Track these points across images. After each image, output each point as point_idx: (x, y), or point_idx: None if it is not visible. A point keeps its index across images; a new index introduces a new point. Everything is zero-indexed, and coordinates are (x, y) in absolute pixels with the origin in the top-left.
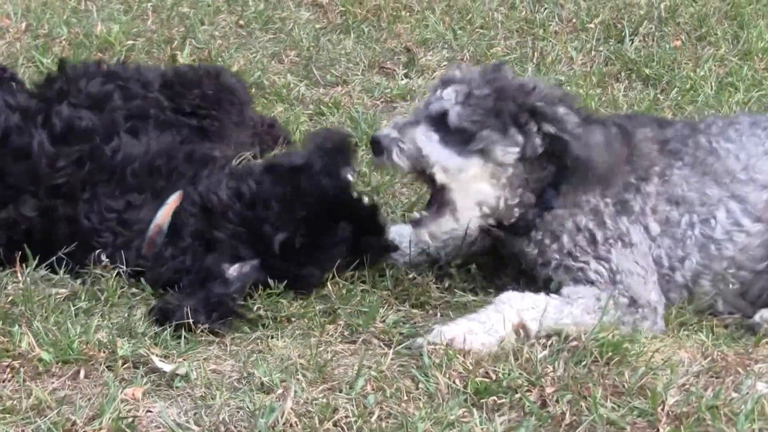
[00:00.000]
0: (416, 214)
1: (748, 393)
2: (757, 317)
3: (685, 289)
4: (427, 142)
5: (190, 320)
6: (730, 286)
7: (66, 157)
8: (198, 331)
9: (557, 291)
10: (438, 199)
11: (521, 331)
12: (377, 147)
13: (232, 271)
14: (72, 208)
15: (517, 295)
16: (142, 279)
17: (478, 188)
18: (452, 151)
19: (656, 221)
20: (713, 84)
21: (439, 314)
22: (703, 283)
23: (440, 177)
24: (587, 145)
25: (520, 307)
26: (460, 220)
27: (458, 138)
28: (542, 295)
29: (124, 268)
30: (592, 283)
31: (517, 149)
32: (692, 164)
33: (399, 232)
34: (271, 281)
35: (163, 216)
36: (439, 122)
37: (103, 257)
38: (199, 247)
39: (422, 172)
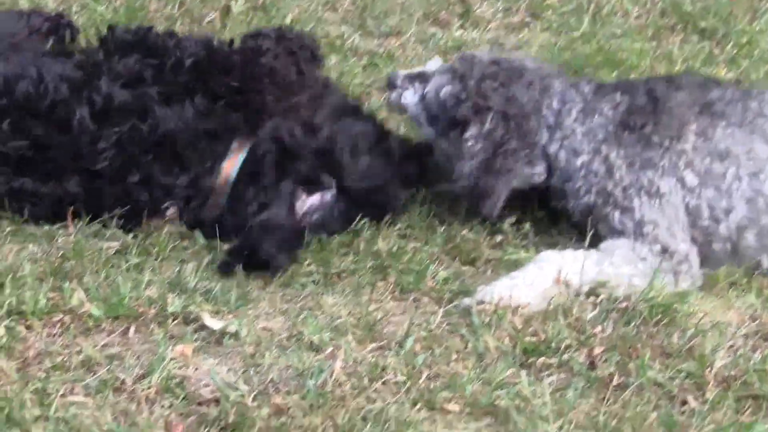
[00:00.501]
0: None
1: None
2: None
3: (729, 243)
4: (411, 100)
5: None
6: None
7: (106, 138)
8: (249, 287)
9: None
10: None
11: (563, 284)
12: (388, 82)
13: (314, 199)
14: (121, 190)
15: (555, 252)
16: (195, 233)
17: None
18: (427, 119)
19: (694, 173)
20: None
21: (489, 271)
22: (747, 236)
23: (419, 134)
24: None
25: (560, 262)
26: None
27: (432, 116)
28: (581, 251)
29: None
30: (622, 233)
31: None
32: (739, 124)
33: None
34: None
35: (228, 166)
36: (425, 94)
37: (171, 210)
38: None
39: None
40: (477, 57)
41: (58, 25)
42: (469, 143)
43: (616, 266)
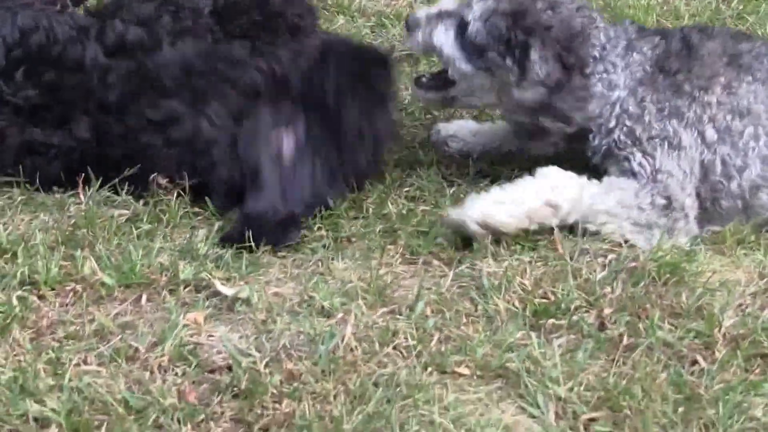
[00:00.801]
0: (423, 78)
1: None
2: None
3: (741, 200)
4: (445, 38)
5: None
6: None
7: (116, 71)
8: (260, 253)
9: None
10: (441, 83)
11: (551, 207)
12: (408, 25)
13: (287, 149)
14: (124, 126)
15: (558, 171)
16: (206, 199)
17: (480, 94)
18: (465, 56)
19: (714, 129)
20: None
21: None
22: (761, 195)
23: (452, 73)
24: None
25: (556, 183)
26: (453, 104)
27: (474, 47)
28: (584, 178)
29: (186, 183)
30: (635, 175)
31: (509, 74)
32: (764, 80)
33: (460, 126)
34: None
35: None
36: (462, 26)
37: (161, 179)
38: None
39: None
40: None
41: None
42: (536, 66)
43: (610, 206)
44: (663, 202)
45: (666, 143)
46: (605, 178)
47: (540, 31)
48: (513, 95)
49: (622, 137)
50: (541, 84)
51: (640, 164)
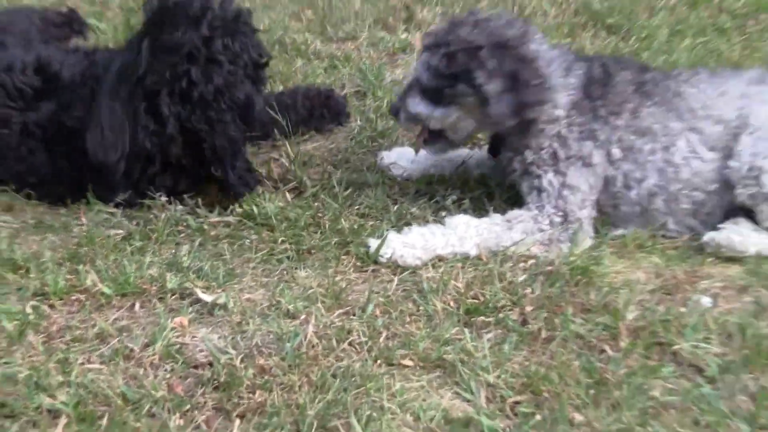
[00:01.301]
0: (424, 138)
1: (694, 308)
2: (706, 237)
3: (638, 206)
4: (416, 104)
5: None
6: (682, 205)
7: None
8: (233, 264)
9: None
10: (437, 136)
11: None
12: (392, 114)
13: None
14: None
15: (466, 221)
16: (187, 218)
17: (463, 125)
18: (434, 105)
19: (619, 148)
20: (666, 32)
21: None
22: (657, 201)
23: (434, 125)
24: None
25: (463, 234)
26: (455, 145)
27: (436, 94)
28: (488, 220)
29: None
30: (540, 192)
31: (472, 98)
32: (660, 103)
33: (400, 153)
34: None
35: None
36: (421, 85)
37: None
38: None
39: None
40: (438, 26)
41: (71, 19)
42: (486, 86)
43: (515, 239)
44: (559, 219)
45: (580, 162)
46: (508, 213)
47: (472, 55)
48: (489, 113)
49: (545, 157)
50: (501, 91)
51: (549, 182)
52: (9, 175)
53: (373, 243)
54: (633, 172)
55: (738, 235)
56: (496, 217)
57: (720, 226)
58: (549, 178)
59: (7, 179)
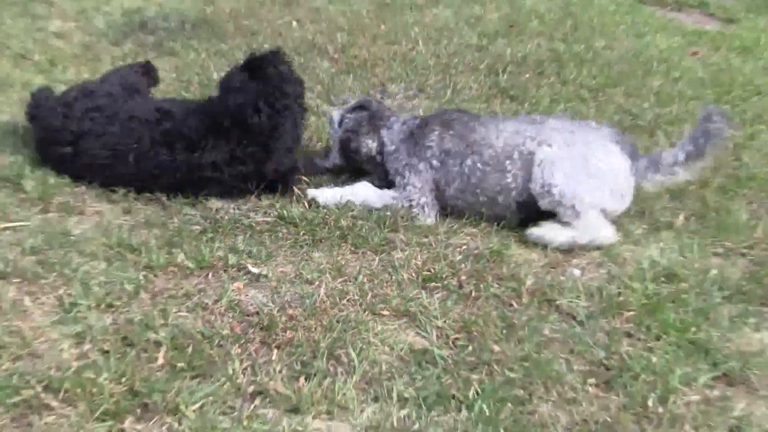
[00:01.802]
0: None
1: (569, 277)
2: (527, 231)
3: (455, 199)
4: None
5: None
6: (480, 199)
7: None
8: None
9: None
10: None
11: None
12: (330, 120)
13: None
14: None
15: (364, 185)
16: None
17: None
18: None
19: (436, 160)
20: (547, 100)
21: (401, 232)
22: (465, 197)
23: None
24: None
25: (356, 191)
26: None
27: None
28: (375, 190)
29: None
30: (398, 187)
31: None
32: (459, 135)
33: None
34: None
35: None
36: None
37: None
38: None
39: None
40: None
41: (149, 69)
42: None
43: (380, 202)
44: (407, 204)
45: (410, 169)
46: (382, 191)
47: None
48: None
49: (394, 167)
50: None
51: (399, 182)
52: (140, 177)
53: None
54: (447, 177)
55: (549, 230)
56: (378, 191)
57: (540, 223)
58: (398, 180)
59: (136, 182)
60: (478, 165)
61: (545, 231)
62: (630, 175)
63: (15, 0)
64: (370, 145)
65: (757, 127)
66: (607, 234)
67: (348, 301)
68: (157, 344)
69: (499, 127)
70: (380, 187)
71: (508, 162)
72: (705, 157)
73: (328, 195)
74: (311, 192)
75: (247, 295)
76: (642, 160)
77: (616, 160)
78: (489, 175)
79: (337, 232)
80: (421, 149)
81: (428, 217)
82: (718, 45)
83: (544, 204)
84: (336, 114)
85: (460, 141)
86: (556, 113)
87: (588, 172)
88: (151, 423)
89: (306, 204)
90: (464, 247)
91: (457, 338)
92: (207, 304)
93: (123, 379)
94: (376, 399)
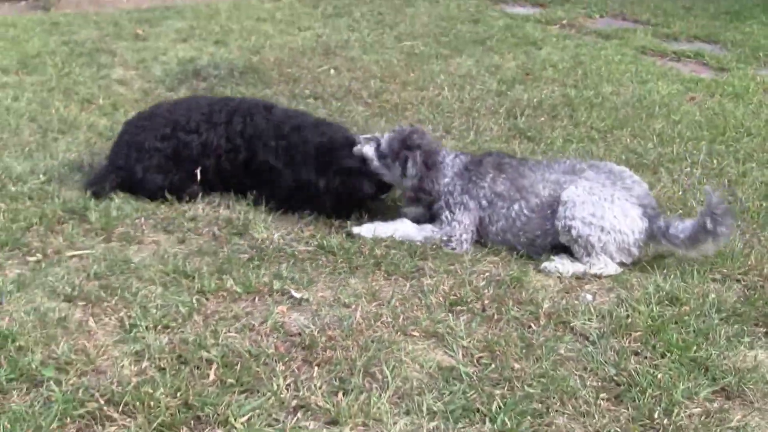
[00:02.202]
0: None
1: (582, 301)
2: (542, 265)
3: (496, 236)
4: (369, 151)
5: None
6: (521, 239)
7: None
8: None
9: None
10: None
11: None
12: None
13: None
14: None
15: (403, 221)
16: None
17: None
18: (382, 161)
19: (486, 201)
20: (561, 140)
21: (429, 260)
22: (506, 236)
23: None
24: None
25: (397, 226)
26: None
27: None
28: (415, 225)
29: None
30: (441, 221)
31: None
32: (511, 179)
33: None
34: None
35: None
36: (378, 145)
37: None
38: None
39: None
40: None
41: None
42: (410, 167)
43: (423, 237)
44: (446, 238)
45: (461, 206)
46: (421, 225)
47: (413, 149)
48: (402, 183)
49: (444, 202)
50: (413, 176)
51: (446, 216)
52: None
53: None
54: (493, 217)
55: (561, 265)
56: (417, 225)
57: (552, 257)
58: (446, 214)
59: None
60: (525, 211)
61: (557, 265)
62: (642, 235)
63: (82, 51)
64: (440, 180)
65: (749, 165)
66: (612, 271)
67: (382, 323)
68: (209, 362)
69: (545, 176)
70: (419, 217)
71: (549, 212)
72: (707, 243)
73: (370, 230)
74: (355, 229)
75: (290, 318)
76: (659, 223)
77: (632, 221)
78: (533, 221)
79: (372, 261)
80: (475, 189)
81: (463, 248)
82: (712, 91)
83: (563, 239)
84: (369, 149)
85: (511, 185)
86: (599, 162)
87: (602, 226)
88: None
89: (343, 234)
90: (487, 273)
91: (481, 357)
92: (254, 325)
93: (178, 394)
94: (407, 412)
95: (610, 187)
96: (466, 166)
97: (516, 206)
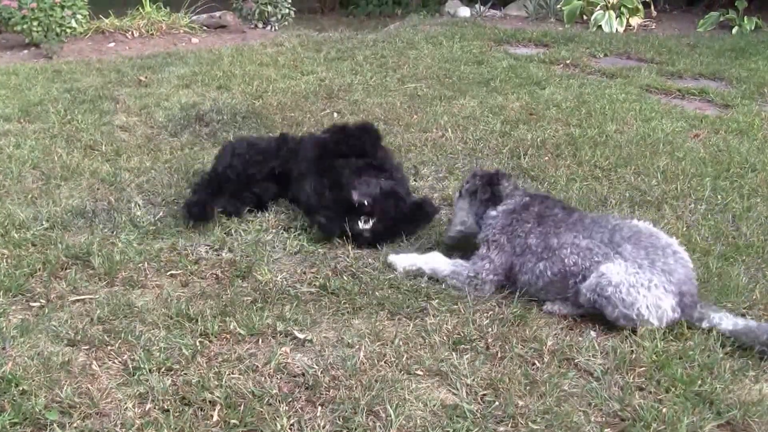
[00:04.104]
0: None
1: (586, 337)
2: (544, 307)
3: (523, 284)
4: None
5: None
6: (543, 296)
7: None
8: (317, 315)
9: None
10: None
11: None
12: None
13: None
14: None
15: (437, 254)
16: (288, 288)
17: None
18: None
19: (519, 249)
20: (564, 178)
21: (434, 299)
22: (530, 288)
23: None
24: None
25: (427, 259)
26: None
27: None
28: (444, 259)
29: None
30: (476, 257)
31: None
32: (544, 234)
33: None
34: None
35: None
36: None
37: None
38: None
39: None
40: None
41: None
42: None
43: (449, 273)
44: (472, 275)
45: (498, 247)
46: (453, 260)
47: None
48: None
49: (484, 231)
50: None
51: (480, 252)
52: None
53: (393, 258)
54: (519, 264)
55: (563, 308)
56: (450, 260)
57: (551, 302)
58: (482, 250)
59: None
60: (548, 273)
61: (558, 308)
62: (670, 323)
63: (85, 98)
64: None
65: (754, 200)
66: None
67: (385, 362)
68: (213, 403)
69: (575, 240)
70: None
71: (571, 281)
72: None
73: (404, 261)
74: (391, 257)
75: (293, 359)
76: (693, 314)
77: (663, 313)
78: (555, 284)
79: (375, 301)
80: (513, 233)
81: (485, 292)
82: (717, 128)
83: (586, 298)
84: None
85: (541, 241)
86: (645, 226)
87: (631, 316)
88: None
89: (345, 277)
90: (490, 312)
91: (484, 394)
92: (257, 366)
93: None
94: None
95: (649, 270)
96: (518, 206)
97: (541, 265)
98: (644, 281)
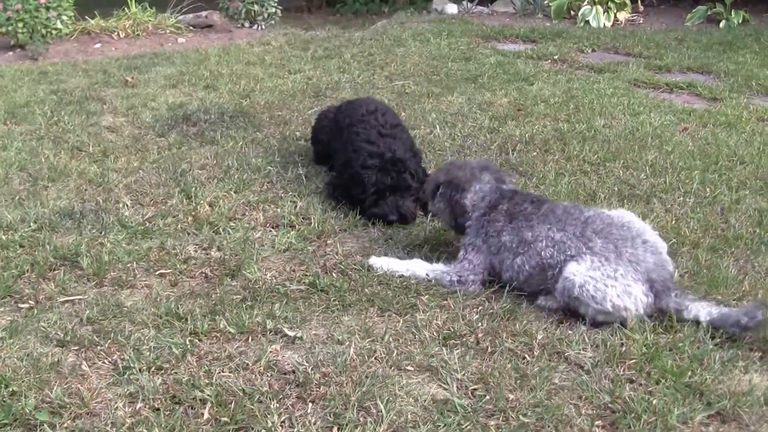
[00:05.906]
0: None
1: (576, 330)
2: (538, 301)
3: (507, 280)
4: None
5: None
6: (526, 288)
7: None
8: (307, 313)
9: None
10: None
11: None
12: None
13: None
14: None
15: (418, 261)
16: (278, 287)
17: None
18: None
19: (495, 248)
20: (553, 174)
21: (424, 295)
22: (514, 282)
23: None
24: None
25: (410, 265)
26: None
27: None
28: (426, 265)
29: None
30: (456, 260)
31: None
32: (516, 229)
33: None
34: None
35: None
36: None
37: None
38: None
39: None
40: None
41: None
42: (437, 201)
43: (434, 276)
44: (456, 278)
45: (475, 248)
46: (434, 265)
47: (445, 185)
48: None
49: (463, 243)
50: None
51: (461, 254)
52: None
53: (374, 260)
54: (499, 261)
55: (554, 303)
56: (430, 265)
57: (543, 296)
58: (462, 253)
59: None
60: (526, 267)
61: (550, 303)
62: (649, 309)
63: (71, 99)
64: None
65: (742, 193)
66: None
67: (375, 358)
68: (203, 401)
69: (549, 233)
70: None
71: (549, 273)
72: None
73: (384, 264)
74: (372, 259)
75: (283, 356)
76: (668, 302)
77: (635, 300)
78: (535, 277)
79: (364, 298)
80: (487, 234)
81: (473, 291)
82: (705, 121)
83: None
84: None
85: (515, 237)
86: (619, 215)
87: (605, 310)
88: None
89: (334, 274)
90: (480, 307)
91: (475, 389)
92: (248, 364)
93: None
94: None
95: (614, 262)
96: (485, 210)
97: (518, 260)
98: (610, 272)
